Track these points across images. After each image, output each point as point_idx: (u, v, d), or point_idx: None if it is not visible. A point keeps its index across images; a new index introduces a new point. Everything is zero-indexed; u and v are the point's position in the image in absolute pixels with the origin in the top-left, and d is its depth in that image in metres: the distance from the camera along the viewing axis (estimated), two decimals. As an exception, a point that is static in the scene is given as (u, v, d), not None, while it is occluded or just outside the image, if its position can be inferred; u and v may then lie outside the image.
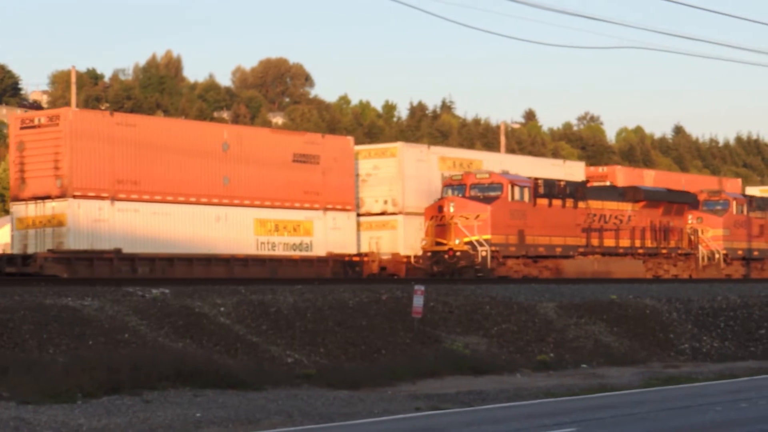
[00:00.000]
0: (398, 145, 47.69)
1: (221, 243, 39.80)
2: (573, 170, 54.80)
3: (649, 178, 60.20)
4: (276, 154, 42.05)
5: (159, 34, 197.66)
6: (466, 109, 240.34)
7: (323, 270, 42.25)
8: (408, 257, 45.59)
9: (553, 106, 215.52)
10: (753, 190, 70.92)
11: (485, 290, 33.79)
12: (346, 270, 43.31)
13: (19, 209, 37.39)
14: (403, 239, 45.84)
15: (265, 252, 41.21)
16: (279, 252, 41.60)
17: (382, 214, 46.21)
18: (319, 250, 42.85)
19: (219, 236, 39.86)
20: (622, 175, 58.19)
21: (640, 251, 50.40)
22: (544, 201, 45.50)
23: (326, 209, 43.42)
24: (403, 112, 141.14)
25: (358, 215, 45.78)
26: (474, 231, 42.67)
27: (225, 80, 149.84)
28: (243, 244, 40.52)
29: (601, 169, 60.29)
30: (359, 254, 44.36)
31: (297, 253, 42.19)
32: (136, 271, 36.70)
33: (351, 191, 44.81)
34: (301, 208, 42.68)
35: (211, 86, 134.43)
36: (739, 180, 73.83)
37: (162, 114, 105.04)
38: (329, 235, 43.36)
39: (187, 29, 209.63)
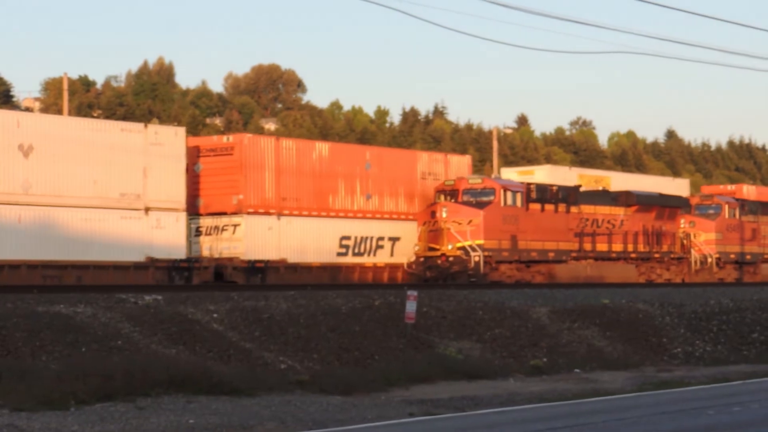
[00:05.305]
0: None
1: None
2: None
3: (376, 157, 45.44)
4: None
5: (151, 40, 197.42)
6: (458, 115, 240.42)
7: None
8: None
9: (545, 111, 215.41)
10: (508, 173, 55.14)
11: (478, 295, 33.81)
12: None
13: None
14: None
15: None
16: None
17: None
18: None
19: None
20: (344, 152, 44.40)
21: (633, 255, 50.48)
22: (536, 206, 45.58)
23: None
24: (395, 117, 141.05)
25: None
26: (467, 236, 42.74)
27: (217, 86, 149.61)
28: None
29: (285, 143, 42.51)
30: None
31: None
32: None
33: None
34: None
35: (203, 93, 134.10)
36: (496, 164, 56.15)
37: (157, 121, 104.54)
38: None
39: (179, 35, 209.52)
